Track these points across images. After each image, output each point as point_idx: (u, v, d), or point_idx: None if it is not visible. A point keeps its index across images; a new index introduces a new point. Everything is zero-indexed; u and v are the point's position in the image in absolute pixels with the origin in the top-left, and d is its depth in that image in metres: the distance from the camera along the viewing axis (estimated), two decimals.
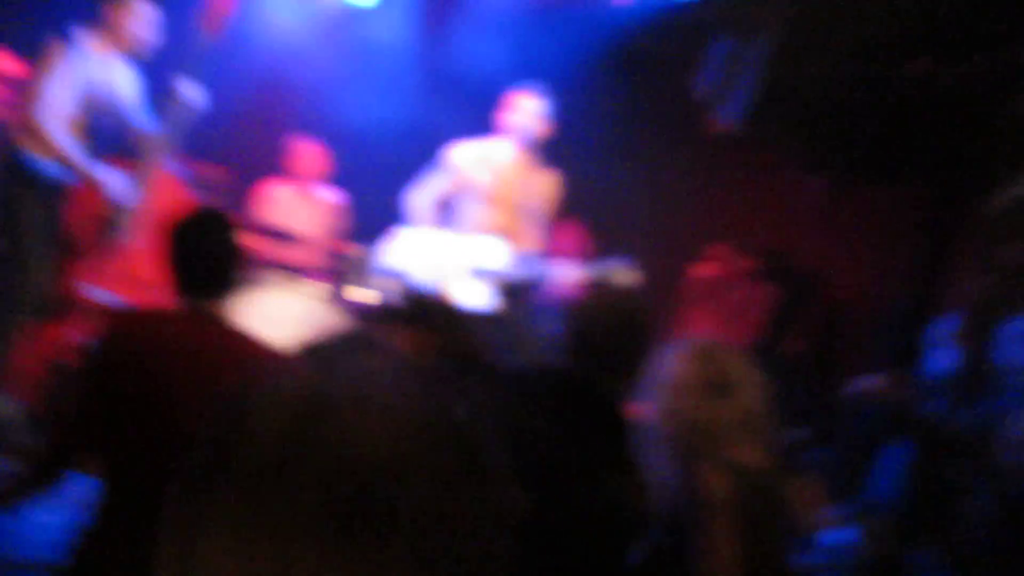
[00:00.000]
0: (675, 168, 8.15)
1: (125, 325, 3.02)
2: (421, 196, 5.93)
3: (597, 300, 2.93)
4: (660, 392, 2.94)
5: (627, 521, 2.83)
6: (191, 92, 5.27)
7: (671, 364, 2.95)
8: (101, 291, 4.99)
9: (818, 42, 5.46)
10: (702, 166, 7.78)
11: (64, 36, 4.97)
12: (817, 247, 6.35)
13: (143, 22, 5.19)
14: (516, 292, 5.48)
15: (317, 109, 8.37)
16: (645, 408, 3.01)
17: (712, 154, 7.53)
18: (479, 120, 6.05)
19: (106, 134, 5.33)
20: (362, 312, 2.98)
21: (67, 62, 4.88)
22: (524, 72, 6.09)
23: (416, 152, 6.42)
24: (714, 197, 7.50)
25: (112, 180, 4.93)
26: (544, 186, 5.82)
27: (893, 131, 5.83)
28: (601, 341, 2.79)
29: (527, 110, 5.70)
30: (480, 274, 5.71)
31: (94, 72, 5.03)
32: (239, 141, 8.52)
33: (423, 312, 3.01)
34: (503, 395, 3.03)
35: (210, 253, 3.04)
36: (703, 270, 6.89)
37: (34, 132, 4.87)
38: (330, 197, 7.75)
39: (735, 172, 7.32)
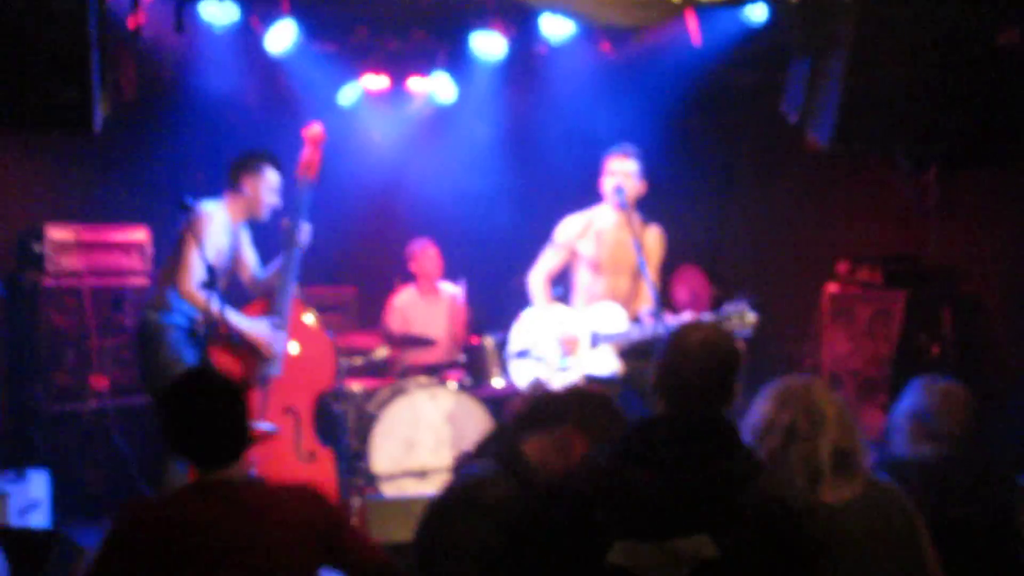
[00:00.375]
0: (781, 193, 8.11)
1: (141, 518, 2.82)
2: (536, 275, 6.06)
3: (690, 337, 2.77)
4: (751, 436, 2.98)
5: None
6: (301, 233, 5.58)
7: (758, 406, 3.03)
8: (264, 423, 5.25)
9: (897, 38, 5.42)
10: (807, 186, 7.71)
11: (199, 206, 5.29)
12: (940, 244, 6.20)
13: (273, 188, 5.57)
14: (643, 354, 5.49)
15: (426, 209, 8.63)
16: None
17: (815, 171, 7.47)
18: (582, 189, 6.16)
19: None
20: (524, 418, 2.93)
21: (206, 231, 5.22)
22: (614, 131, 6.18)
23: (529, 231, 6.56)
24: (826, 213, 7.42)
25: (262, 328, 5.24)
26: (650, 242, 5.87)
27: (993, 108, 5.70)
28: (693, 379, 2.67)
29: (620, 171, 5.78)
30: (603, 341, 5.77)
31: (226, 238, 5.40)
32: (359, 257, 8.85)
33: (581, 409, 3.03)
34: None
35: (210, 422, 2.92)
36: (831, 288, 6.80)
37: (182, 298, 5.21)
38: (454, 292, 7.95)
39: (842, 185, 7.23)
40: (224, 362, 5.24)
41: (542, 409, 3.02)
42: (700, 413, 2.67)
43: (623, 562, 2.47)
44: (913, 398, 3.74)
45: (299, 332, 5.53)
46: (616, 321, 5.77)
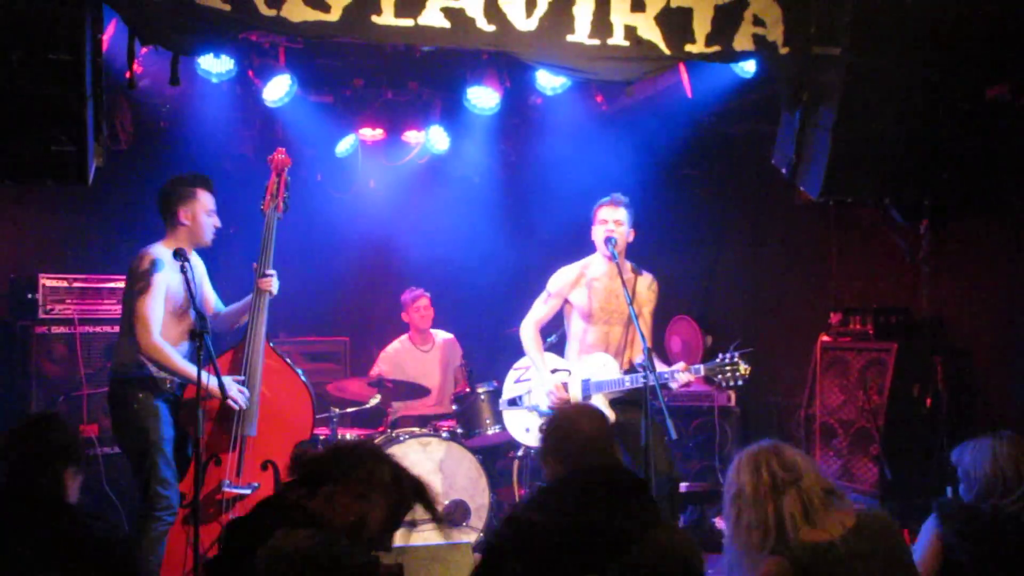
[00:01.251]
0: (773, 244, 8.14)
1: None
2: (528, 325, 6.07)
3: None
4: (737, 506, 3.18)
5: None
6: (269, 282, 5.40)
7: (735, 478, 3.21)
8: (240, 485, 5.15)
9: (886, 90, 5.48)
10: (799, 237, 7.75)
11: (141, 249, 5.17)
12: (931, 295, 6.22)
13: (210, 210, 5.35)
14: (635, 404, 5.49)
15: (419, 259, 8.66)
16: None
17: (807, 223, 7.51)
18: (575, 239, 6.19)
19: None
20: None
21: (152, 276, 5.04)
22: (607, 182, 6.22)
23: (522, 281, 6.58)
24: (818, 264, 7.45)
25: (213, 383, 4.94)
26: (642, 291, 5.89)
27: (983, 160, 5.75)
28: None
29: (611, 219, 5.81)
30: (594, 390, 5.77)
31: (172, 275, 5.13)
32: (352, 307, 8.88)
33: None
34: None
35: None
36: (823, 339, 6.81)
37: (144, 352, 5.04)
38: (447, 340, 7.95)
39: (834, 236, 7.27)
40: (189, 419, 5.04)
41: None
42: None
43: None
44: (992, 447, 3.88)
45: (272, 382, 5.35)
46: (608, 370, 5.77)
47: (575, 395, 5.83)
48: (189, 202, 5.30)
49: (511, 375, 6.30)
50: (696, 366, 5.55)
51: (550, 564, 2.75)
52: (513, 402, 6.19)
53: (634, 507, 2.90)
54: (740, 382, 5.39)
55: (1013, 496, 3.78)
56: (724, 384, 5.43)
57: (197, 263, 5.49)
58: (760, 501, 3.09)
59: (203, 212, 5.32)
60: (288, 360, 5.49)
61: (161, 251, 5.17)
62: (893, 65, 5.43)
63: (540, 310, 6.08)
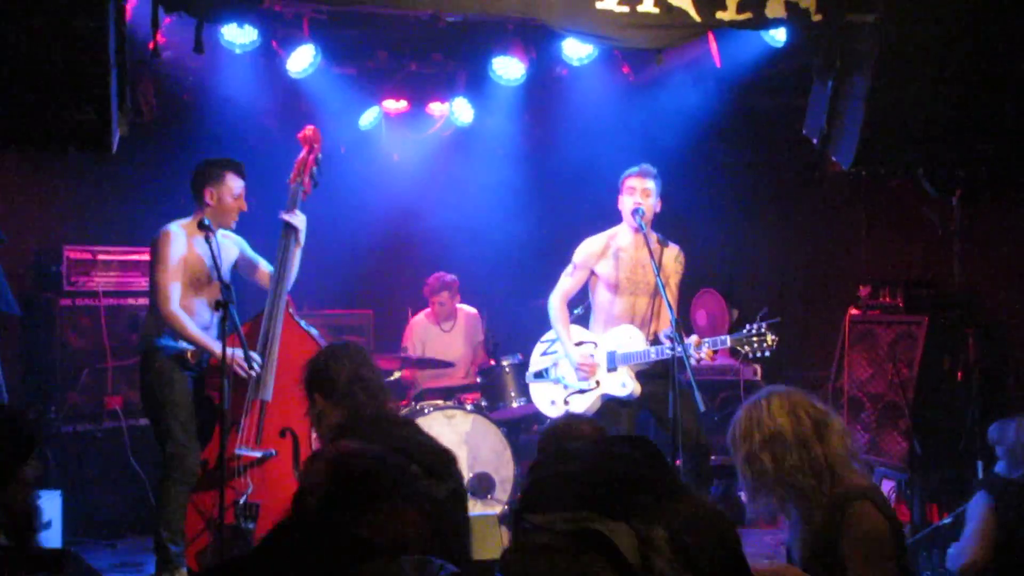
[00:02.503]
0: (802, 217, 8.06)
1: None
2: (555, 298, 6.03)
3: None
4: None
5: None
6: (296, 214, 5.48)
7: (763, 419, 3.06)
8: (255, 449, 5.20)
9: (921, 59, 5.37)
10: (828, 210, 7.66)
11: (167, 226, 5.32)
12: (963, 268, 6.12)
13: (236, 194, 5.45)
14: (661, 375, 5.44)
15: (445, 231, 8.61)
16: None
17: (836, 195, 7.41)
18: (601, 211, 6.12)
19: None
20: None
21: (168, 249, 5.22)
22: (634, 153, 6.14)
23: (548, 253, 6.52)
24: (848, 237, 7.36)
25: (238, 354, 5.09)
26: (669, 262, 5.82)
27: (1018, 133, 5.64)
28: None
29: (639, 190, 5.74)
30: (620, 362, 5.72)
31: (192, 248, 5.31)
32: (377, 280, 8.84)
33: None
34: None
35: None
36: (852, 312, 6.73)
37: (163, 321, 5.22)
38: (469, 316, 7.92)
39: (864, 209, 7.18)
40: (215, 386, 5.15)
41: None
42: None
43: None
44: None
45: (292, 350, 5.33)
46: (634, 342, 5.72)
47: (600, 368, 5.78)
48: (216, 184, 5.42)
49: (538, 348, 6.26)
50: (723, 337, 5.50)
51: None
52: (539, 375, 6.15)
53: (658, 471, 2.77)
54: (767, 353, 5.33)
55: None
56: (751, 355, 5.37)
57: (232, 239, 5.65)
58: (807, 443, 2.99)
59: (228, 195, 5.44)
60: (309, 328, 5.51)
61: (176, 227, 5.33)
62: (928, 33, 5.32)
63: (566, 283, 6.04)
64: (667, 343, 5.30)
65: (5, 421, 3.05)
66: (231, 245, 5.63)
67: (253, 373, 5.20)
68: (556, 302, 6.03)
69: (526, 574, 1.85)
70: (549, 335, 6.20)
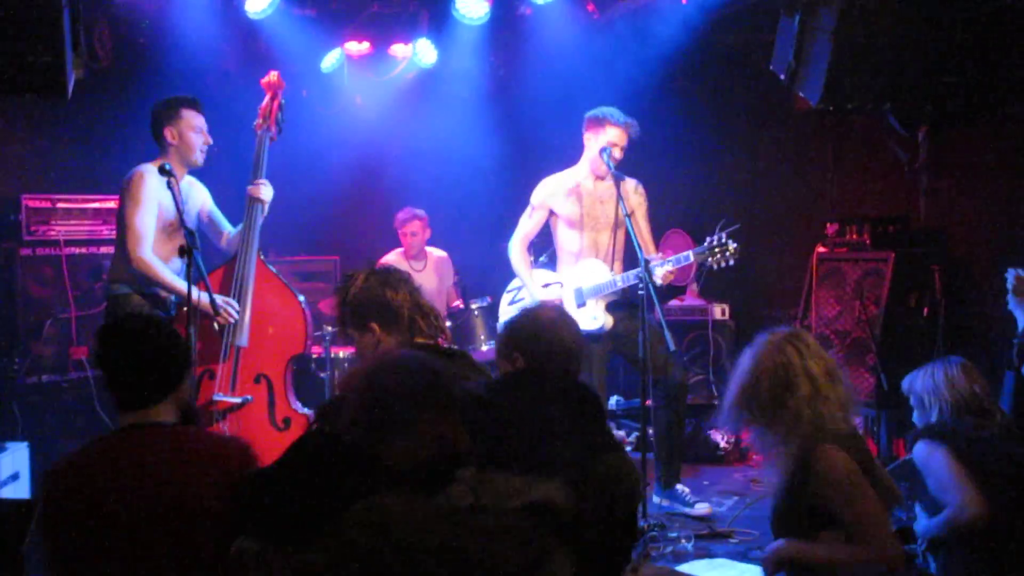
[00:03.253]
0: (768, 155, 8.04)
1: (68, 474, 2.78)
2: (515, 242, 6.00)
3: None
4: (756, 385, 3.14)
5: None
6: (260, 190, 5.37)
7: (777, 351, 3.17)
8: (232, 396, 5.16)
9: None
10: (795, 147, 7.65)
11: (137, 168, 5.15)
12: (929, 204, 6.15)
13: (197, 128, 5.30)
14: (630, 306, 5.44)
15: (410, 175, 8.54)
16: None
17: (803, 132, 7.40)
18: (567, 152, 6.07)
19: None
20: None
21: (142, 192, 5.05)
22: (599, 93, 6.09)
23: (514, 196, 6.47)
24: (815, 175, 7.36)
25: (204, 298, 4.95)
26: (629, 194, 5.78)
27: (986, 66, 5.62)
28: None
29: (619, 146, 5.70)
30: (588, 296, 5.72)
31: (164, 192, 5.07)
32: (342, 225, 8.76)
33: None
34: None
35: (134, 359, 2.88)
36: (819, 249, 6.75)
37: (134, 266, 5.06)
38: (440, 259, 7.87)
39: (831, 145, 7.17)
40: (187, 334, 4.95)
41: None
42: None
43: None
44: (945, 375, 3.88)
45: (265, 297, 5.33)
46: (599, 275, 5.71)
47: (569, 306, 5.77)
48: (174, 122, 5.26)
49: (504, 298, 6.23)
50: (685, 253, 5.48)
51: (497, 447, 2.55)
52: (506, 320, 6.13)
53: (593, 424, 2.79)
54: (732, 261, 5.37)
55: (986, 423, 3.76)
56: (716, 266, 5.39)
57: (200, 189, 5.53)
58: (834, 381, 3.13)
59: (189, 130, 5.27)
60: (279, 274, 5.45)
61: (151, 169, 5.13)
62: None
63: (526, 225, 6.02)
64: (633, 273, 5.31)
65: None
66: (199, 191, 5.52)
67: (231, 319, 5.13)
68: (516, 245, 6.01)
69: None
70: (515, 283, 6.18)
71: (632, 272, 5.42)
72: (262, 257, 5.38)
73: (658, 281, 5.33)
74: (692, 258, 5.43)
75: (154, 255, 5.08)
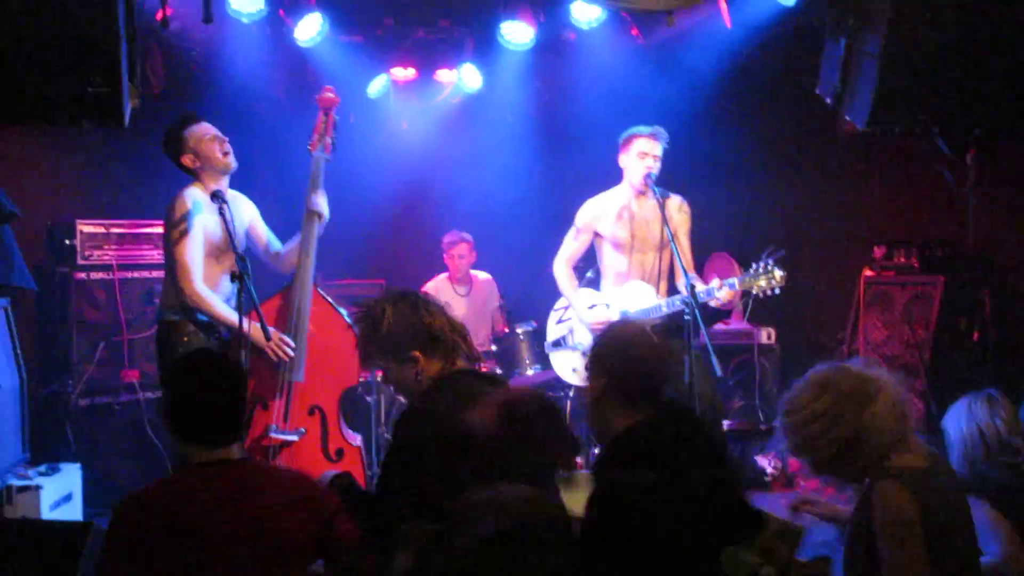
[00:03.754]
0: (814, 178, 8.00)
1: (138, 510, 2.82)
2: (560, 263, 6.02)
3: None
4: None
5: None
6: (317, 205, 5.30)
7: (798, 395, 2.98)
8: (286, 430, 5.09)
9: (935, 15, 5.28)
10: (842, 170, 7.61)
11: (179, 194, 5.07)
12: (978, 227, 6.08)
13: (210, 136, 5.16)
14: (676, 330, 5.42)
15: (456, 199, 8.59)
16: None
17: (850, 155, 7.36)
18: (612, 175, 6.09)
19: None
20: None
21: (189, 221, 4.96)
22: (641, 116, 6.10)
23: (560, 219, 6.49)
24: (862, 197, 7.32)
25: (268, 331, 4.88)
26: (673, 213, 5.77)
27: None
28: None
29: (650, 155, 5.71)
30: (635, 319, 5.71)
31: (209, 217, 5.03)
32: (388, 249, 8.83)
33: None
34: None
35: (211, 400, 2.93)
36: (866, 273, 6.70)
37: (188, 300, 4.98)
38: (485, 282, 7.91)
39: (878, 168, 7.13)
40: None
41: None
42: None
43: None
44: (969, 411, 3.76)
45: (321, 328, 5.24)
46: (645, 297, 5.71)
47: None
48: (184, 147, 5.15)
49: (552, 317, 6.26)
50: (730, 280, 5.44)
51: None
52: (557, 343, 6.16)
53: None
54: (778, 290, 5.30)
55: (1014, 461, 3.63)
56: (761, 294, 5.34)
57: (247, 204, 5.43)
58: (839, 420, 2.89)
59: (201, 144, 5.14)
60: (333, 303, 5.37)
61: (196, 193, 5.06)
62: None
63: (570, 246, 6.03)
64: (685, 292, 5.26)
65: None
66: (245, 207, 5.41)
67: (286, 358, 5.04)
68: (561, 267, 6.03)
69: None
70: (561, 302, 6.20)
71: (678, 297, 5.40)
72: (318, 289, 5.30)
73: (714, 304, 5.32)
74: (737, 286, 5.39)
75: (204, 284, 5.00)
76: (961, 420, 3.78)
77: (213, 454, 2.89)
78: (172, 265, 5.04)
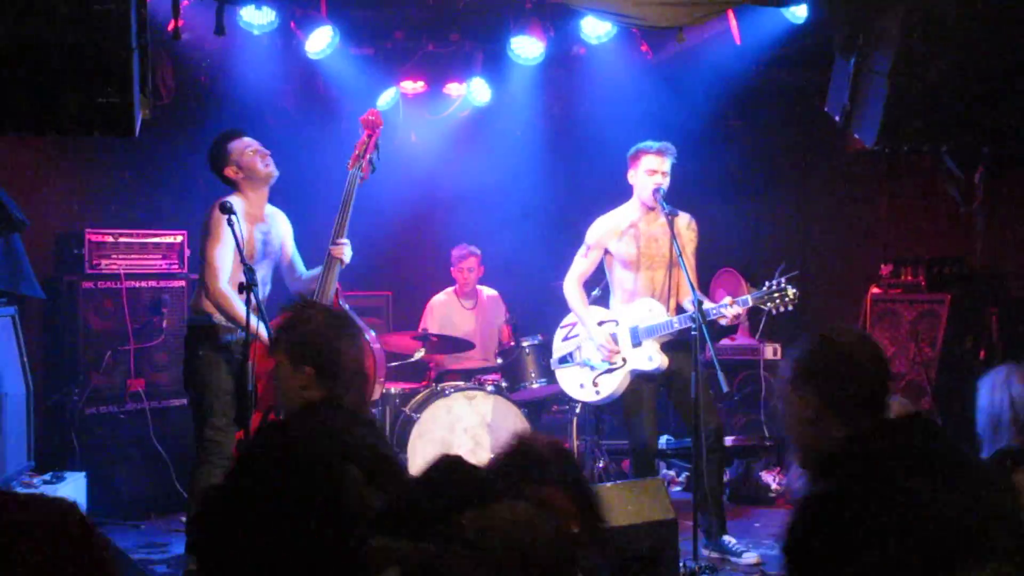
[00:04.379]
0: (822, 195, 8.01)
1: None
2: (570, 281, 6.03)
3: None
4: None
5: None
6: (345, 250, 5.44)
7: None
8: None
9: (944, 34, 5.30)
10: (849, 187, 7.62)
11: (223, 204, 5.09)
12: (986, 246, 6.09)
13: (252, 149, 5.34)
14: (687, 348, 5.41)
15: (463, 213, 8.59)
16: None
17: (857, 172, 7.37)
18: (621, 191, 6.10)
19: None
20: None
21: (222, 224, 5.05)
22: (650, 131, 6.11)
23: (568, 234, 6.50)
24: (869, 215, 7.32)
25: (263, 331, 4.90)
26: (682, 231, 5.78)
27: None
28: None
29: (659, 171, 5.72)
30: (644, 336, 5.72)
31: (243, 225, 5.14)
32: (395, 261, 8.83)
33: None
34: None
35: None
36: (873, 290, 6.70)
37: (211, 298, 5.13)
38: (491, 297, 7.92)
39: (886, 186, 7.13)
40: (265, 371, 4.89)
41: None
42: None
43: None
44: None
45: None
46: (655, 314, 5.72)
47: (624, 345, 5.78)
48: (228, 159, 5.35)
49: (559, 333, 6.26)
50: (743, 297, 5.48)
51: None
52: (564, 360, 6.15)
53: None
54: (790, 307, 5.35)
55: None
56: (774, 311, 5.37)
57: (284, 221, 5.58)
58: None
59: (243, 157, 5.34)
60: (356, 319, 5.39)
61: (236, 202, 5.15)
62: (952, 8, 5.26)
63: (581, 264, 6.03)
64: (691, 309, 5.28)
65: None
66: (283, 223, 5.58)
67: None
68: (572, 285, 6.03)
69: None
70: (568, 319, 6.21)
71: (688, 315, 5.41)
72: (340, 302, 5.39)
73: (724, 322, 5.35)
74: (751, 302, 5.41)
75: (229, 286, 5.12)
76: (995, 387, 3.74)
77: None
78: (202, 266, 5.24)
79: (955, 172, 6.18)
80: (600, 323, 5.95)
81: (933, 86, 5.35)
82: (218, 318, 5.18)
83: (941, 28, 5.26)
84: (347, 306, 5.46)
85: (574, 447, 6.81)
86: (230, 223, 4.95)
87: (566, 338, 6.18)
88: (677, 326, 5.59)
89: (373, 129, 5.60)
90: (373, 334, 5.46)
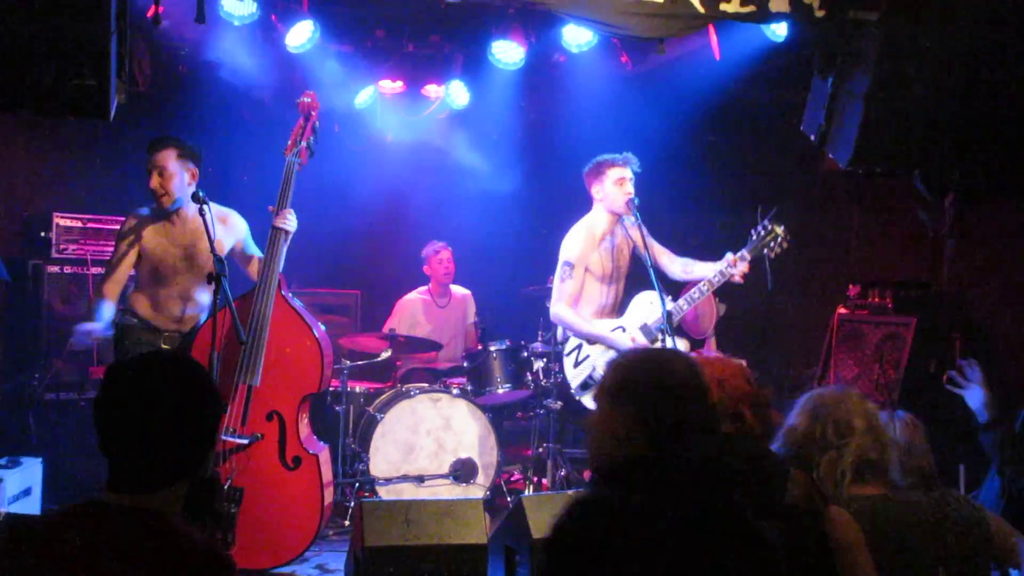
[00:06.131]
0: (793, 213, 8.03)
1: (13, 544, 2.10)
2: (561, 306, 5.92)
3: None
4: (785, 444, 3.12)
5: None
6: (284, 220, 5.30)
7: (793, 417, 3.17)
8: (242, 434, 5.05)
9: (922, 60, 5.36)
10: (821, 207, 7.66)
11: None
12: (952, 270, 6.15)
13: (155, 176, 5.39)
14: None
15: (435, 214, 8.59)
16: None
17: (829, 193, 7.42)
18: (587, 195, 6.10)
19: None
20: None
21: (127, 234, 5.26)
22: (626, 142, 6.13)
23: (539, 240, 6.51)
24: (839, 236, 7.36)
25: (239, 329, 4.81)
26: (635, 233, 5.85)
27: (1016, 135, 5.63)
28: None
29: (627, 181, 5.77)
30: (656, 328, 5.75)
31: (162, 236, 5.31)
32: (365, 260, 8.81)
33: None
34: None
35: (136, 429, 2.15)
36: (840, 311, 6.74)
37: (97, 296, 5.25)
38: (464, 296, 7.90)
39: (856, 207, 7.18)
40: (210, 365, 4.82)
41: None
42: None
43: None
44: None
45: (282, 334, 5.21)
46: (656, 306, 5.71)
47: (643, 343, 5.76)
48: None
49: (567, 361, 6.06)
50: (741, 251, 5.66)
51: None
52: (584, 385, 5.96)
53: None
54: (785, 244, 5.61)
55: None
56: (772, 254, 5.58)
57: (239, 222, 5.52)
58: (800, 447, 3.11)
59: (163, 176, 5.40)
60: (301, 311, 5.35)
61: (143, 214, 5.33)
62: (930, 34, 5.32)
63: (569, 287, 5.90)
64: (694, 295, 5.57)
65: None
66: (244, 228, 5.57)
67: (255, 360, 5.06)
68: (566, 309, 5.90)
69: None
70: (569, 345, 6.04)
71: (695, 290, 5.67)
72: (283, 293, 5.27)
73: (738, 279, 5.66)
74: (748, 255, 5.48)
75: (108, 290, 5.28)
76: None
77: (129, 499, 2.16)
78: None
79: (926, 196, 6.23)
80: (613, 330, 5.90)
81: (908, 111, 5.41)
82: (129, 318, 5.33)
83: (918, 53, 5.32)
84: (295, 301, 5.37)
85: (536, 454, 6.79)
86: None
87: (577, 363, 6.02)
88: (686, 307, 5.75)
89: (309, 112, 5.46)
90: (323, 328, 5.41)
